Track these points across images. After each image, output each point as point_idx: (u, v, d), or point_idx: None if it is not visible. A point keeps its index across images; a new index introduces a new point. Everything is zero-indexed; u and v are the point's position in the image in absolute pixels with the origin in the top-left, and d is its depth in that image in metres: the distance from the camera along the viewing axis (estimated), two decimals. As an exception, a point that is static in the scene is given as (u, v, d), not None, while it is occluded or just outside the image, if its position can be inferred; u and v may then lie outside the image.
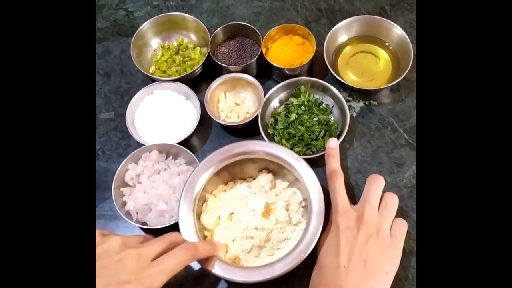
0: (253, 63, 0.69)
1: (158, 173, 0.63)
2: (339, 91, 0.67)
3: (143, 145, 0.64)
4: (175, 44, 0.76)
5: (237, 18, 0.80)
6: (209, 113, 0.65)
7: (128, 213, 0.60)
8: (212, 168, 0.57)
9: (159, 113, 0.68)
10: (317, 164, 0.66)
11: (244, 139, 0.67)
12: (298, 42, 0.72)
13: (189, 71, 0.71)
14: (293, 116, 0.66)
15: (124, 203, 0.61)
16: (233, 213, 0.58)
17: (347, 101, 0.68)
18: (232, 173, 0.61)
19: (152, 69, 0.74)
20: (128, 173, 0.62)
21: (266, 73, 0.73)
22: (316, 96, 0.69)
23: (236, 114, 0.68)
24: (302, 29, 0.71)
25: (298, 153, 0.64)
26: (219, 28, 0.72)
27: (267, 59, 0.69)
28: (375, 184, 0.57)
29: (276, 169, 0.61)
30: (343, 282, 0.48)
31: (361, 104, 0.70)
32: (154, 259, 0.45)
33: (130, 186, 0.63)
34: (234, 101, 0.69)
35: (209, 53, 0.70)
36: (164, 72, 0.73)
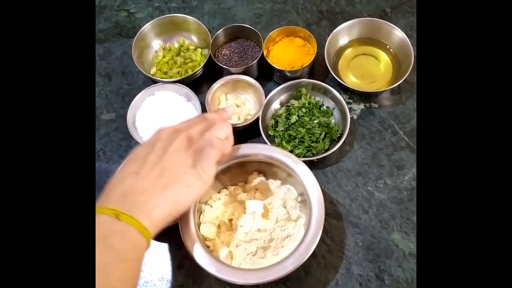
0: (254, 65, 0.69)
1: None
2: (340, 93, 0.67)
3: (144, 146, 0.64)
4: (176, 45, 0.76)
5: (238, 20, 0.80)
6: None
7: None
8: None
9: (160, 115, 0.68)
10: (318, 166, 0.66)
11: (245, 141, 0.68)
12: (299, 44, 0.72)
13: (190, 72, 0.71)
14: (293, 118, 0.66)
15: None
16: (232, 220, 0.58)
17: (348, 103, 0.69)
18: (222, 180, 0.61)
19: (153, 70, 0.74)
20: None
21: (267, 75, 0.73)
22: (317, 98, 0.69)
23: (236, 116, 0.68)
24: (303, 31, 0.71)
25: (299, 155, 0.64)
26: (220, 30, 0.72)
27: (268, 61, 0.69)
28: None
29: (266, 169, 0.61)
30: (136, 184, 0.46)
31: (361, 106, 0.70)
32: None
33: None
34: (235, 103, 0.70)
35: (210, 54, 0.70)
36: (165, 73, 0.73)
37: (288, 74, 0.69)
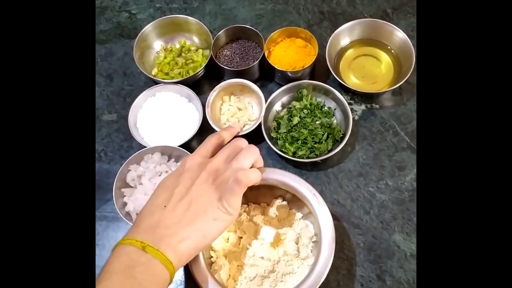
0: (255, 65, 0.69)
1: (160, 175, 0.63)
2: (341, 94, 0.67)
3: (145, 147, 0.64)
4: (177, 46, 0.76)
5: (239, 20, 0.80)
6: (208, 119, 0.65)
7: (128, 214, 0.61)
8: None
9: (162, 115, 0.68)
10: (319, 167, 0.66)
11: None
12: (300, 45, 0.72)
13: (191, 73, 0.71)
14: (295, 120, 0.66)
15: (125, 204, 0.61)
16: (242, 238, 0.58)
17: (349, 104, 0.69)
18: (247, 196, 0.59)
19: (154, 71, 0.74)
20: (130, 174, 0.63)
21: (268, 76, 0.73)
22: (318, 99, 0.69)
23: (237, 120, 0.68)
24: (305, 32, 0.71)
25: (302, 156, 0.64)
26: (221, 31, 0.72)
27: (269, 61, 0.69)
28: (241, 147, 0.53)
29: (292, 199, 0.59)
30: (164, 217, 0.47)
31: (363, 107, 0.70)
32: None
33: (131, 186, 0.63)
34: (238, 106, 0.69)
35: (211, 55, 0.70)
36: (167, 74, 0.73)
37: (289, 75, 0.69)
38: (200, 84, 0.73)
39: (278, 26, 0.77)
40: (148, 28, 0.74)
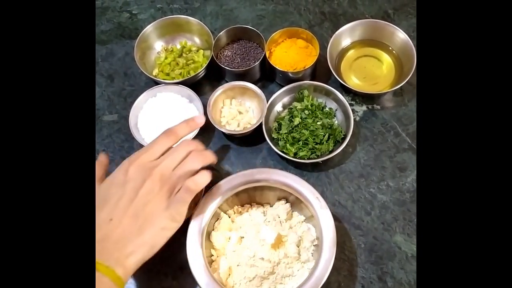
0: (256, 66, 0.69)
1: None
2: (342, 95, 0.67)
3: (146, 147, 0.64)
4: (178, 46, 0.76)
5: (240, 21, 0.80)
6: (209, 119, 0.65)
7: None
8: (231, 188, 0.57)
9: (162, 116, 0.68)
10: (320, 168, 0.66)
11: (244, 146, 0.68)
12: (301, 45, 0.72)
13: (192, 74, 0.71)
14: (297, 120, 0.66)
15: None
16: (243, 237, 0.57)
17: (350, 105, 0.68)
18: (251, 196, 0.60)
19: (155, 71, 0.74)
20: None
21: (269, 77, 0.73)
22: (319, 100, 0.69)
23: (237, 122, 0.68)
24: (306, 33, 0.71)
25: (303, 157, 0.64)
26: (222, 31, 0.72)
27: (271, 62, 0.69)
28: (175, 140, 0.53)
29: (295, 201, 0.59)
30: (111, 233, 0.46)
31: (364, 108, 0.70)
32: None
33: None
34: (238, 109, 0.69)
35: (212, 56, 0.70)
36: (168, 74, 0.73)
37: (290, 75, 0.69)
38: (201, 84, 0.73)
39: (279, 26, 0.77)
40: (149, 28, 0.74)
